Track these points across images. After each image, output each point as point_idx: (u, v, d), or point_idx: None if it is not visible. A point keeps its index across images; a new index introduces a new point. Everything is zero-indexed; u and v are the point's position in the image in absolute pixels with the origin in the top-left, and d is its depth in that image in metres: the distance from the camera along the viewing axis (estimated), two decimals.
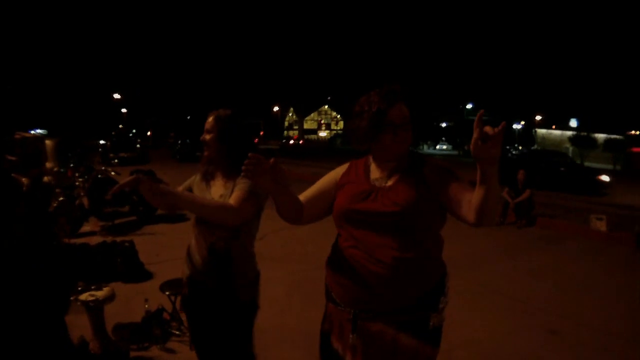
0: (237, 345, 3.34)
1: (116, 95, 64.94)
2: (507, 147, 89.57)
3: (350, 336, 2.77)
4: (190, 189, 3.49)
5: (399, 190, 2.72)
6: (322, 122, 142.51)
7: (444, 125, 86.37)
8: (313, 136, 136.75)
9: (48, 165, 11.68)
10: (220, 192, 3.30)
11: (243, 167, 2.40)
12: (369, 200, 2.76)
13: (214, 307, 3.30)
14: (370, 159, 2.99)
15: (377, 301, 2.69)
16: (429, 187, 2.70)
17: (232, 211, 3.03)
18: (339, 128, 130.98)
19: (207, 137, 3.33)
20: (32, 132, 19.65)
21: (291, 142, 66.43)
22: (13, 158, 5.07)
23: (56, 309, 4.03)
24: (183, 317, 5.75)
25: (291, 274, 8.78)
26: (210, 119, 3.35)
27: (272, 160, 2.47)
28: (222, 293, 3.28)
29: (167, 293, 5.80)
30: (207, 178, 3.44)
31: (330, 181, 3.09)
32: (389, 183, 2.80)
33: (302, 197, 3.05)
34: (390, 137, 2.75)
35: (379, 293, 2.67)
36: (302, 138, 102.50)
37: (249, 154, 2.40)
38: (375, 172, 2.91)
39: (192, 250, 3.39)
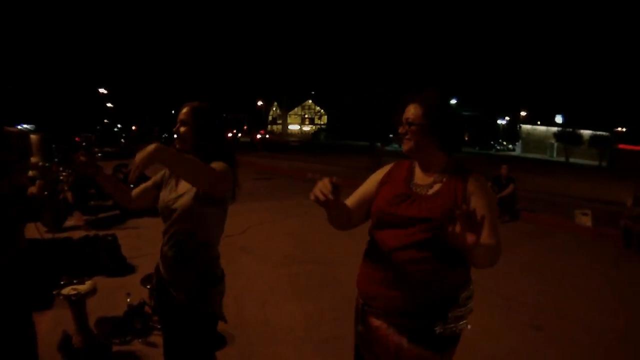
0: (194, 343, 3.30)
1: (102, 90, 64.71)
2: (492, 143, 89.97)
3: (359, 325, 3.02)
4: (160, 185, 3.47)
5: (434, 200, 2.80)
6: (306, 116, 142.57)
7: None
8: (297, 130, 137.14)
9: (33, 159, 11.65)
10: (188, 185, 3.20)
11: (312, 196, 2.58)
12: (407, 205, 2.84)
13: (176, 307, 3.26)
14: (415, 163, 3.08)
15: (380, 299, 2.83)
16: (467, 200, 2.76)
17: (210, 170, 2.94)
18: (322, 122, 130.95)
19: (182, 129, 3.28)
20: (19, 127, 19.56)
21: (258, 136, 66.53)
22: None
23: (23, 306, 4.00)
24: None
25: (273, 267, 8.80)
26: (186, 109, 3.28)
27: (333, 183, 2.57)
28: (177, 288, 3.25)
29: (149, 287, 5.79)
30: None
31: (373, 182, 3.17)
32: (421, 191, 2.90)
33: (348, 202, 3.14)
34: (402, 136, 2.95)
35: (382, 291, 2.81)
36: (269, 133, 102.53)
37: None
38: (418, 177, 3.00)
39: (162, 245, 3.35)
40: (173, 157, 2.71)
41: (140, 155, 2.59)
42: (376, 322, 2.86)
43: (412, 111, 2.93)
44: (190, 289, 3.21)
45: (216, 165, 3.09)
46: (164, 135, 43.08)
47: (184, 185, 3.25)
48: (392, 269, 2.79)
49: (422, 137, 2.89)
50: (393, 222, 2.83)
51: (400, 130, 2.99)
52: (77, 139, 23.79)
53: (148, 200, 3.50)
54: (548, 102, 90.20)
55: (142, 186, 3.54)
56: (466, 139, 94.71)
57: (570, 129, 70.06)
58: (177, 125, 3.31)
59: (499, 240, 2.59)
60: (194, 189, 3.14)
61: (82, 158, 3.18)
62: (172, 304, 3.26)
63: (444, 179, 2.88)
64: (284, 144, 66.28)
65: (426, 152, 2.93)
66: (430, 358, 2.77)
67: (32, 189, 4.56)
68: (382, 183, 3.10)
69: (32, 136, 13.09)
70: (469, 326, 2.86)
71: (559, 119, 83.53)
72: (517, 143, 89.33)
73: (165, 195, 3.32)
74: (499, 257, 2.50)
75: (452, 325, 2.76)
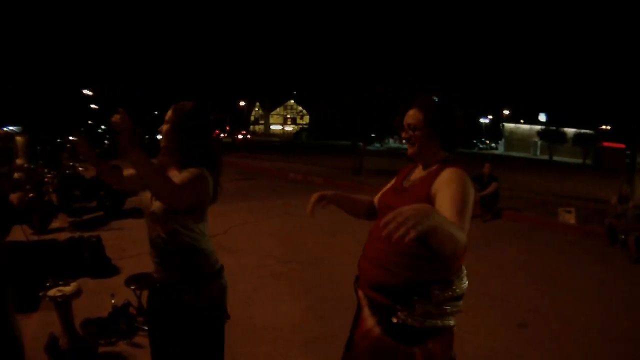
0: (197, 350, 3.27)
1: (86, 91, 64.37)
2: (474, 142, 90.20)
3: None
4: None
5: (412, 192, 3.03)
6: (288, 116, 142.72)
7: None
8: (279, 130, 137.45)
9: (18, 161, 11.64)
10: None
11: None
12: (395, 196, 3.15)
13: (169, 308, 3.25)
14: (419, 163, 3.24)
15: (364, 273, 3.09)
16: (430, 195, 2.89)
17: (171, 186, 2.93)
18: (304, 122, 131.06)
19: (164, 127, 3.30)
20: (5, 129, 19.52)
21: (239, 136, 66.60)
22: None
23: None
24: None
25: (256, 268, 8.80)
26: (170, 109, 3.32)
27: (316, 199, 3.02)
28: (174, 291, 3.24)
29: (133, 287, 5.83)
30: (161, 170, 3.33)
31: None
32: (408, 184, 3.16)
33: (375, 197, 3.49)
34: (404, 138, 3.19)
35: (367, 268, 3.06)
36: (251, 133, 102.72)
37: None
38: (416, 173, 3.22)
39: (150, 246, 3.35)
40: (142, 159, 2.76)
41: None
42: (360, 292, 3.11)
43: (413, 116, 3.10)
44: (186, 287, 3.22)
45: (187, 174, 3.12)
46: (146, 136, 42.94)
47: None
48: (375, 252, 3.01)
49: (425, 141, 3.08)
50: (382, 211, 3.13)
51: (404, 135, 3.17)
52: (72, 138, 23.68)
53: (136, 185, 3.43)
54: (531, 101, 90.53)
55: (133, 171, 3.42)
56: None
57: (554, 127, 70.28)
58: (162, 125, 3.33)
59: (461, 231, 2.51)
60: None
61: (80, 141, 3.17)
62: (172, 306, 3.25)
63: (428, 173, 3.05)
64: (266, 144, 66.20)
65: (429, 153, 3.11)
66: (399, 348, 2.87)
67: (13, 197, 4.57)
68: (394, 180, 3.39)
69: (18, 138, 13.07)
70: (451, 322, 2.94)
71: (542, 117, 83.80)
72: (500, 142, 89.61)
73: (146, 195, 3.32)
74: (457, 247, 2.52)
75: (419, 318, 2.83)
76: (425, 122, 3.05)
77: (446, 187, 2.82)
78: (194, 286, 3.24)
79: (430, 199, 2.85)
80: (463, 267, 3.08)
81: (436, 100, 3.16)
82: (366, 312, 3.06)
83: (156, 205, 3.18)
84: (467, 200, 2.75)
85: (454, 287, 2.93)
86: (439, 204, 2.75)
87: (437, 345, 2.91)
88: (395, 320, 2.86)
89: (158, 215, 3.16)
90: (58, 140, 29.41)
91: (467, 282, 3.08)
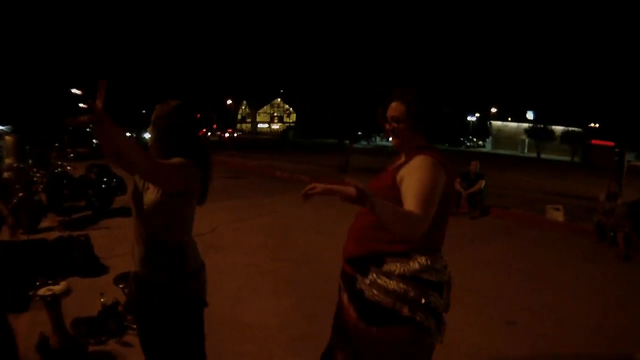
0: (183, 344, 3.30)
1: (74, 90, 64.04)
2: (462, 139, 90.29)
3: None
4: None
5: (379, 178, 3.25)
6: (275, 114, 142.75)
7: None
8: (266, 128, 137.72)
9: (8, 161, 11.64)
10: None
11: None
12: (372, 180, 3.31)
13: (155, 305, 3.26)
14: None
15: (345, 250, 3.27)
16: (396, 180, 3.01)
17: (151, 160, 2.91)
18: (291, 121, 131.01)
19: (152, 128, 3.31)
20: None
21: (226, 135, 66.96)
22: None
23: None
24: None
25: (243, 265, 8.84)
26: (156, 109, 3.31)
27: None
28: (159, 289, 3.25)
29: (121, 286, 5.85)
30: None
31: None
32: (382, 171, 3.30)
33: None
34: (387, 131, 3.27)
35: (347, 244, 3.26)
36: (239, 131, 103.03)
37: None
38: (399, 161, 3.27)
39: (132, 244, 3.34)
40: (119, 133, 2.70)
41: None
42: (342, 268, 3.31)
43: (395, 109, 3.17)
44: (171, 285, 3.24)
45: (174, 160, 3.14)
46: (132, 135, 42.91)
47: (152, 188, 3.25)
48: (354, 230, 3.24)
49: (408, 134, 3.16)
50: None
51: (387, 127, 3.23)
52: None
53: (129, 165, 3.23)
54: (519, 99, 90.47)
55: None
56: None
57: (542, 125, 70.37)
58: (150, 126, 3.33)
59: (419, 213, 2.68)
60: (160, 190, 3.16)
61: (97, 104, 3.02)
62: (151, 293, 3.27)
63: (401, 161, 3.17)
64: (253, 142, 66.20)
65: (412, 145, 3.16)
66: (360, 326, 3.00)
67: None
68: None
69: (7, 137, 13.07)
70: (417, 318, 2.91)
71: (530, 115, 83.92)
72: (487, 139, 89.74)
73: (134, 189, 3.34)
74: (416, 229, 2.61)
75: (369, 288, 2.96)
76: (408, 114, 3.13)
77: (411, 175, 2.93)
78: (179, 284, 3.27)
79: (395, 185, 2.99)
80: (440, 257, 3.16)
81: (418, 92, 3.22)
82: (342, 290, 3.23)
83: (146, 199, 3.19)
84: (428, 186, 2.83)
85: (412, 264, 2.95)
86: (403, 190, 2.89)
87: (399, 335, 2.94)
88: (356, 288, 3.02)
89: (147, 209, 3.17)
90: (45, 138, 29.29)
91: (444, 275, 3.15)
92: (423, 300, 2.91)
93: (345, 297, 3.16)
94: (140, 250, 3.27)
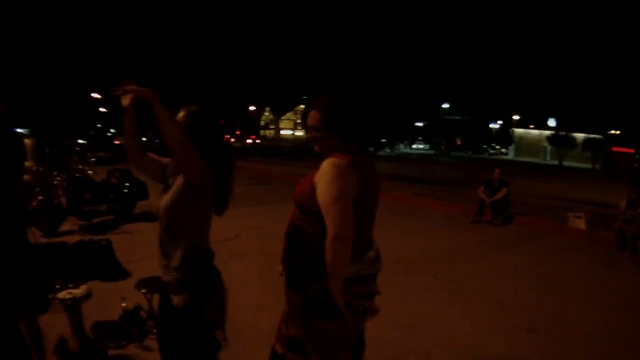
0: (194, 345, 3.28)
1: (95, 95, 64.53)
2: (484, 147, 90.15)
3: None
4: (163, 172, 3.50)
5: (301, 183, 3.37)
6: (299, 121, 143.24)
7: (420, 124, 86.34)
8: (289, 134, 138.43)
9: (27, 164, 11.64)
10: (176, 185, 3.24)
11: None
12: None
13: (175, 311, 3.25)
14: None
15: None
16: (312, 185, 3.17)
17: (187, 143, 3.07)
18: None
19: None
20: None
21: (249, 141, 67.90)
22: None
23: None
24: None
25: (266, 272, 8.76)
26: (181, 113, 3.33)
27: None
28: (178, 292, 3.24)
29: (143, 291, 5.81)
30: (171, 173, 3.41)
31: None
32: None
33: None
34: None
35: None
36: (262, 138, 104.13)
37: None
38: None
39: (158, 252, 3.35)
40: (163, 110, 2.97)
41: (139, 88, 3.01)
42: None
43: (313, 117, 3.33)
44: (186, 290, 3.22)
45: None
46: (156, 140, 43.02)
47: (174, 185, 3.27)
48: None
49: (326, 141, 3.31)
50: None
51: (309, 135, 3.40)
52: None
53: (149, 168, 3.52)
54: (541, 106, 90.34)
55: (152, 155, 3.59)
56: (459, 143, 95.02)
57: (564, 133, 70.13)
58: None
59: (333, 227, 2.94)
60: (177, 189, 3.20)
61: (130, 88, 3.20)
62: (171, 308, 3.26)
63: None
64: (276, 149, 66.46)
65: (333, 149, 3.26)
66: (298, 305, 3.41)
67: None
68: None
69: (26, 140, 13.07)
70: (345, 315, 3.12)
71: (552, 122, 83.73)
72: (509, 147, 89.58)
73: (159, 195, 3.34)
74: (348, 250, 2.95)
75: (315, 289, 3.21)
76: (324, 122, 3.27)
77: (319, 181, 3.09)
78: (200, 288, 3.27)
79: (312, 189, 3.14)
80: (366, 255, 3.28)
81: (335, 100, 3.36)
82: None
83: (162, 203, 3.23)
84: (332, 191, 3.00)
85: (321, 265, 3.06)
86: (318, 201, 3.06)
87: (323, 325, 3.21)
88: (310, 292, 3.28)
89: (166, 208, 3.20)
90: (65, 143, 29.42)
91: (369, 268, 3.28)
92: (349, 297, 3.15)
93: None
94: (160, 255, 3.30)
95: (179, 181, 3.22)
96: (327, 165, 3.08)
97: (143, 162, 3.49)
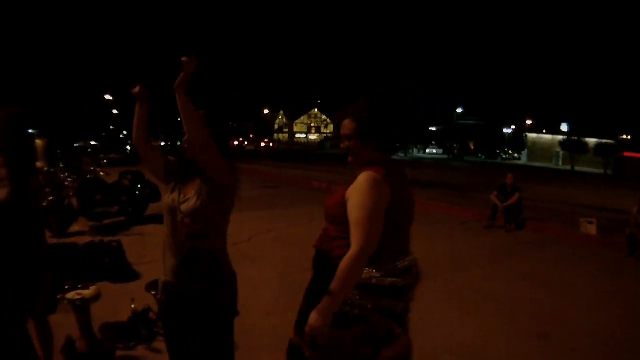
0: (214, 353, 3.29)
1: (107, 97, 64.83)
2: (497, 152, 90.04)
3: None
4: (168, 169, 3.50)
5: (333, 195, 3.31)
6: (312, 125, 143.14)
7: (433, 129, 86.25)
8: (303, 138, 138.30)
9: (38, 165, 11.65)
10: (194, 189, 3.24)
11: None
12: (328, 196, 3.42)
13: (189, 313, 3.23)
14: None
15: None
16: (345, 197, 3.10)
17: (208, 137, 3.11)
18: (328, 131, 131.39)
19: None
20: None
21: (262, 144, 68.47)
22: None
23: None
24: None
25: (278, 276, 8.75)
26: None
27: None
28: (194, 297, 3.22)
29: (153, 293, 5.78)
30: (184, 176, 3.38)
31: None
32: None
33: None
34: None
35: None
36: (276, 141, 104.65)
37: None
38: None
39: (164, 252, 3.35)
40: (188, 101, 3.09)
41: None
42: None
43: (346, 126, 3.19)
44: (204, 289, 3.22)
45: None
46: (168, 143, 43.18)
47: (189, 191, 3.25)
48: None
49: (360, 151, 3.18)
50: None
51: (342, 146, 3.25)
52: None
53: (153, 161, 3.52)
54: (554, 111, 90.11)
55: (158, 150, 3.61)
56: (472, 147, 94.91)
57: (576, 138, 69.91)
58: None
59: (356, 248, 2.84)
60: (201, 192, 3.19)
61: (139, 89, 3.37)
62: (184, 303, 3.26)
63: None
64: (289, 152, 66.64)
65: (368, 161, 3.15)
66: None
67: None
68: None
69: (37, 141, 13.09)
70: (368, 318, 3.02)
71: (564, 127, 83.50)
72: (523, 152, 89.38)
73: (170, 200, 3.30)
74: (363, 265, 2.88)
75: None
76: (358, 131, 3.15)
77: (352, 195, 3.02)
78: (214, 293, 3.26)
79: (344, 202, 3.06)
80: (392, 265, 3.10)
81: (369, 107, 3.22)
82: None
83: (185, 205, 3.20)
84: (366, 209, 2.92)
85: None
86: (348, 212, 2.99)
87: (348, 334, 3.02)
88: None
89: (185, 216, 3.18)
90: (76, 145, 29.50)
91: (402, 279, 3.12)
92: (369, 305, 2.98)
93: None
94: (174, 259, 3.26)
95: (197, 184, 3.23)
96: (362, 179, 3.00)
97: (147, 149, 3.51)
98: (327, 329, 2.77)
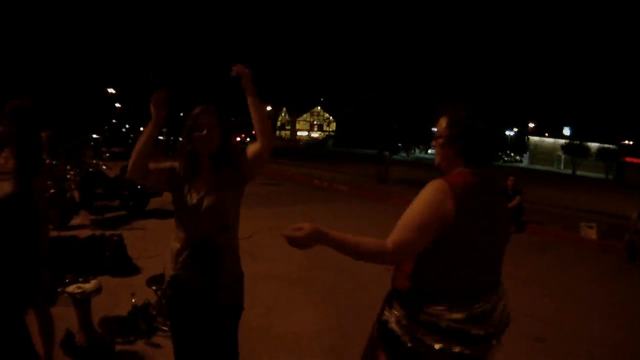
0: (222, 348, 3.33)
1: (110, 90, 64.73)
2: (499, 154, 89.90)
3: None
4: (175, 174, 3.38)
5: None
6: (315, 122, 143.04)
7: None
8: (305, 136, 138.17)
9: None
10: (211, 183, 3.26)
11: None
12: None
13: (198, 309, 3.27)
14: None
15: None
16: None
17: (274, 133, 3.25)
18: (331, 129, 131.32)
19: (208, 131, 3.24)
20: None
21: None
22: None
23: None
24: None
25: (278, 274, 8.77)
26: (210, 112, 3.30)
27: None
28: (206, 293, 3.25)
29: (154, 288, 5.81)
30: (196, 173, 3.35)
31: None
32: None
33: None
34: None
35: None
36: (279, 138, 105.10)
37: None
38: None
39: (174, 247, 3.32)
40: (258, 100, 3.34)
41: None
42: None
43: (439, 125, 2.96)
44: (214, 285, 3.27)
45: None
46: (171, 137, 43.06)
47: (204, 186, 3.28)
48: None
49: (445, 152, 2.91)
50: None
51: (433, 143, 3.03)
52: None
53: (153, 179, 3.36)
54: (556, 114, 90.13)
55: (158, 164, 3.40)
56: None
57: (578, 142, 69.80)
58: (203, 130, 3.24)
59: (388, 243, 2.64)
60: (223, 189, 3.26)
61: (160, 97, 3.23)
62: (194, 299, 3.29)
63: None
64: (291, 149, 66.55)
65: (450, 167, 2.92)
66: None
67: None
68: None
69: (41, 134, 13.08)
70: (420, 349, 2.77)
71: (566, 131, 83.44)
72: (524, 155, 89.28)
73: (190, 198, 3.28)
74: (379, 261, 2.69)
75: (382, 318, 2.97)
76: (448, 129, 2.88)
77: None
78: (224, 289, 3.32)
79: None
80: (472, 307, 2.85)
81: (470, 109, 2.95)
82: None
83: (210, 200, 3.23)
84: (416, 210, 2.68)
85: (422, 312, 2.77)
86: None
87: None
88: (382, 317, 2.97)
89: (206, 212, 3.21)
90: (79, 137, 29.47)
91: (454, 316, 2.76)
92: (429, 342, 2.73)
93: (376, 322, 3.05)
94: (188, 253, 3.26)
95: (211, 179, 3.27)
96: (428, 186, 2.70)
97: (145, 176, 3.31)
98: (305, 247, 2.75)
